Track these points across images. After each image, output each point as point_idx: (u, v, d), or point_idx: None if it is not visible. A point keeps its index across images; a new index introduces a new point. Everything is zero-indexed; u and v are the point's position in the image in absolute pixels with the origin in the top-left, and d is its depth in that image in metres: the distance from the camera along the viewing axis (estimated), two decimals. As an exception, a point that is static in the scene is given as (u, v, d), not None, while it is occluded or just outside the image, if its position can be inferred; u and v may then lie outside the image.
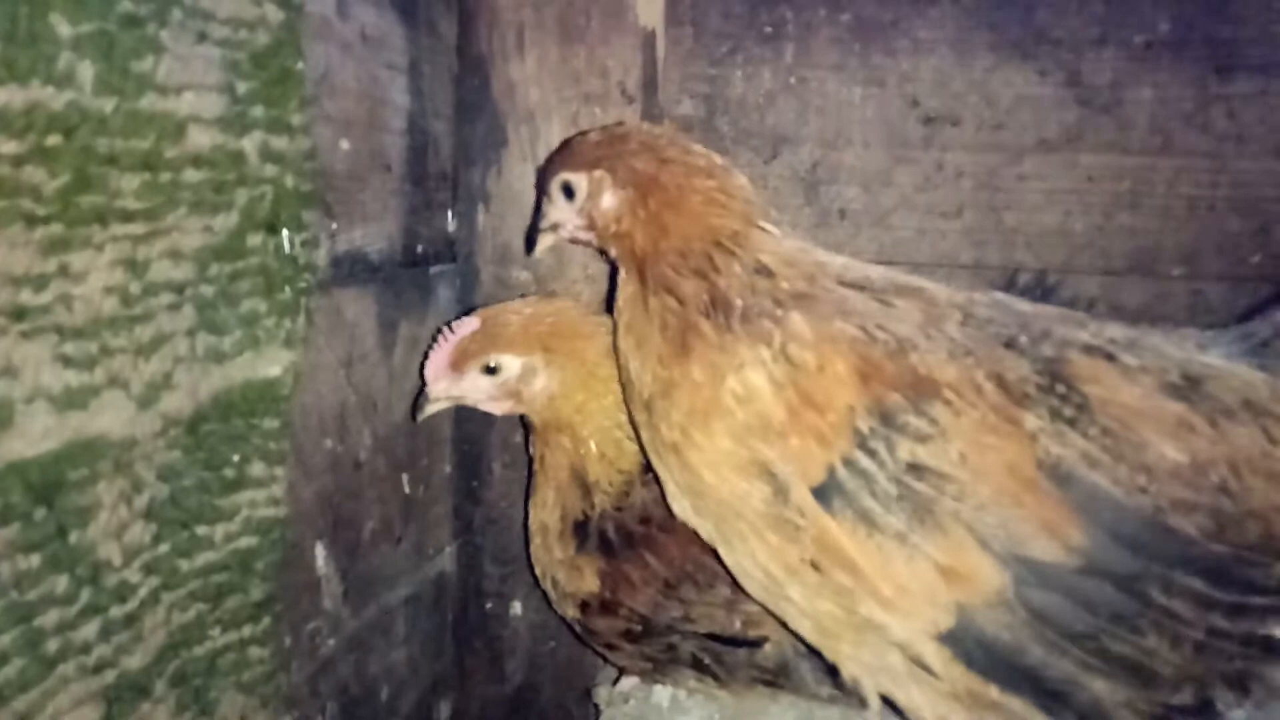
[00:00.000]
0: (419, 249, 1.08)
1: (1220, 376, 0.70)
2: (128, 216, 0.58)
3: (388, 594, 1.05)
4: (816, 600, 0.70)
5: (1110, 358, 0.70)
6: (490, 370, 0.95)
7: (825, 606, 0.70)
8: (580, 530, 0.94)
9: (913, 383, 0.67)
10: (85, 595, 0.57)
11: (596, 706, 1.00)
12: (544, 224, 0.90)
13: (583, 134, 0.90)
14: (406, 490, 1.07)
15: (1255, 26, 1.12)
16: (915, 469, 0.66)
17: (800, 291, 0.73)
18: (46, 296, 0.53)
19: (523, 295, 1.13)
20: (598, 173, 0.84)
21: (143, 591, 0.62)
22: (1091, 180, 1.18)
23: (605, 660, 1.03)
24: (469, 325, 0.95)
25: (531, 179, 1.16)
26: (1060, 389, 0.68)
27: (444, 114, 1.12)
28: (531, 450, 1.01)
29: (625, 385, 0.83)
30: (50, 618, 0.55)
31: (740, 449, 0.70)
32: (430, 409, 0.98)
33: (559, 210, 0.88)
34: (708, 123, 1.24)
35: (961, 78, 1.18)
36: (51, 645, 0.55)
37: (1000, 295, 0.79)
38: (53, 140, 0.50)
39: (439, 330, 0.98)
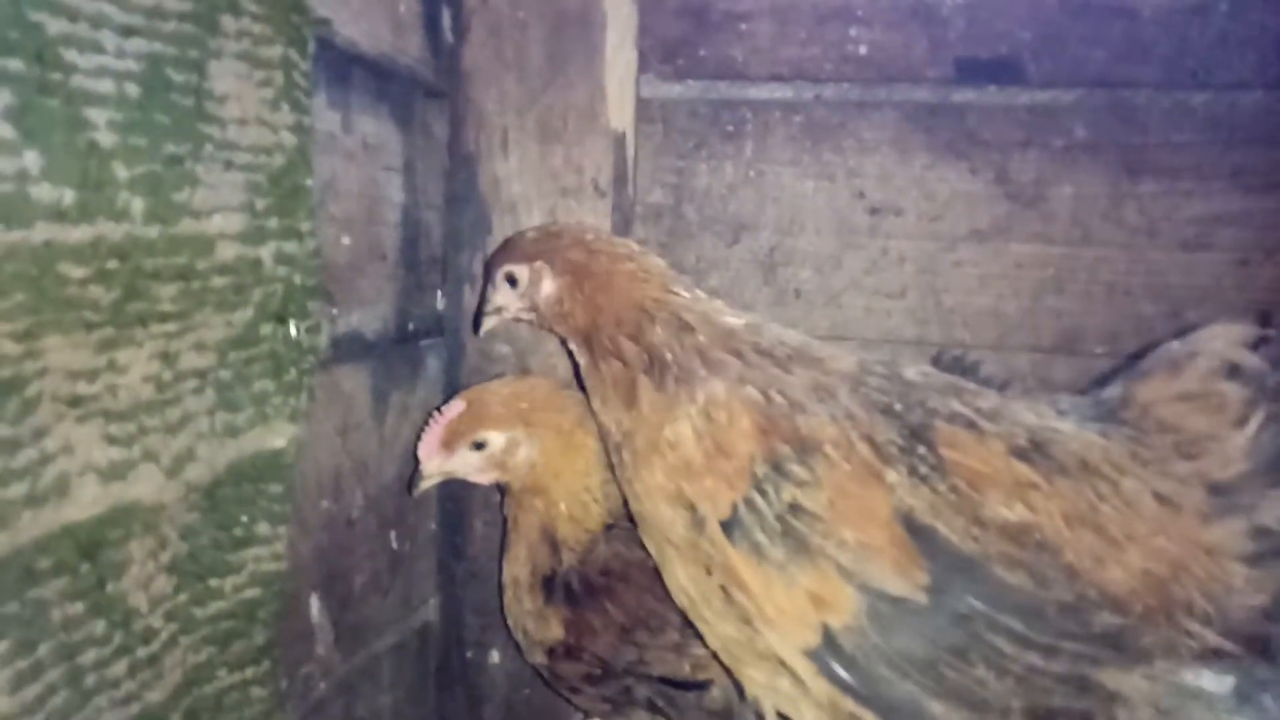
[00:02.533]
0: (410, 326, 1.20)
1: (1063, 440, 0.81)
2: (164, 318, 0.69)
3: (375, 642, 1.14)
4: (723, 624, 0.82)
5: (970, 425, 0.81)
6: (478, 446, 1.06)
7: (730, 631, 0.81)
8: (548, 584, 1.04)
9: (799, 439, 0.80)
10: (118, 638, 0.68)
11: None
12: (489, 308, 1.03)
13: (521, 233, 1.05)
14: (394, 546, 1.17)
15: (1159, 134, 1.25)
16: (795, 509, 0.78)
17: (716, 352, 0.87)
18: (97, 387, 0.64)
19: (502, 371, 1.24)
20: (537, 264, 0.98)
21: (164, 635, 0.73)
22: (1020, 267, 1.31)
23: (570, 704, 1.12)
24: (456, 408, 1.07)
25: (514, 263, 1.29)
26: (920, 450, 0.79)
27: (435, 205, 1.25)
28: (506, 511, 1.11)
29: (603, 437, 0.96)
30: (89, 656, 0.65)
31: (669, 483, 0.84)
32: (425, 485, 1.09)
33: (503, 296, 1.02)
34: (675, 210, 1.37)
35: (902, 174, 1.32)
36: (90, 680, 0.65)
37: (904, 369, 0.91)
38: (111, 264, 0.62)
39: (430, 412, 1.09)
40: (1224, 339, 0.83)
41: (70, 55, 0.60)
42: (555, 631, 1.02)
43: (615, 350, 0.91)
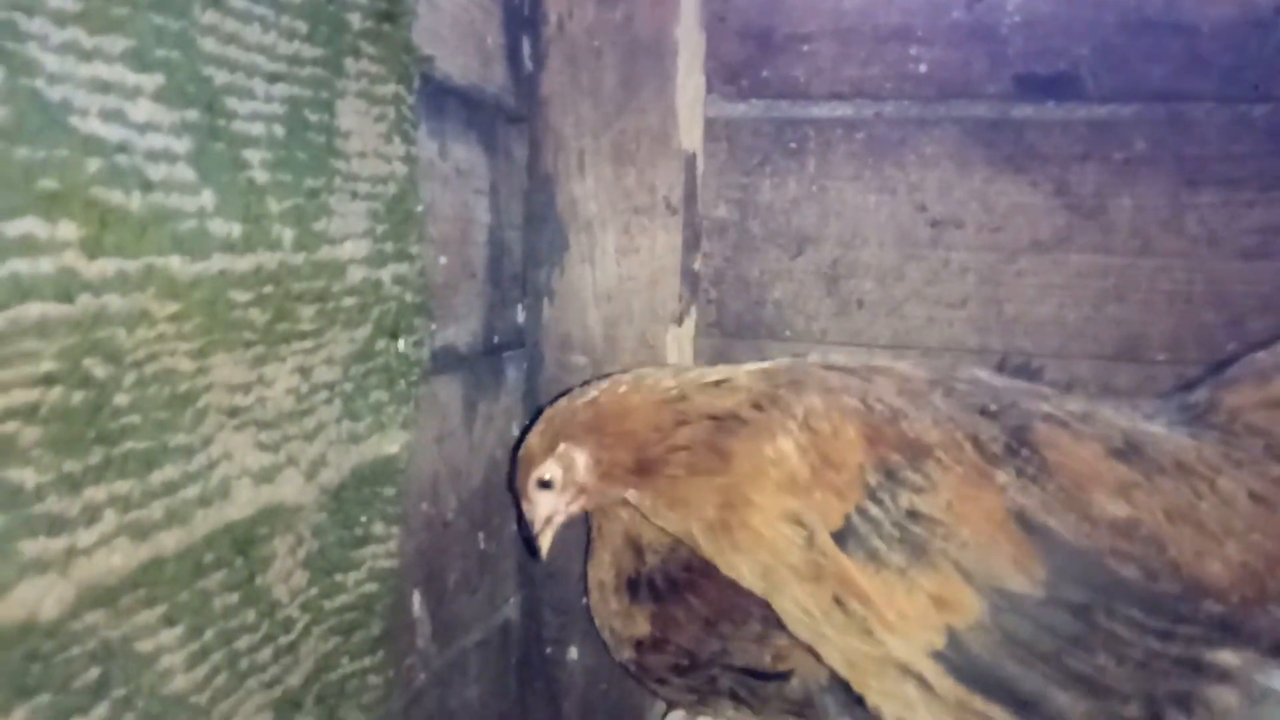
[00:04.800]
0: (495, 339, 1.27)
1: (1157, 441, 0.84)
2: (304, 336, 0.77)
3: (464, 638, 1.21)
4: (846, 637, 0.84)
5: (1065, 425, 0.84)
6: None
7: (853, 643, 0.84)
8: (632, 585, 1.10)
9: (908, 444, 0.82)
10: (265, 626, 0.75)
11: (650, 735, 1.14)
12: (537, 526, 0.99)
13: (523, 444, 1.01)
14: (482, 546, 1.24)
15: (1218, 146, 1.28)
16: (913, 515, 0.80)
17: (779, 380, 0.89)
18: (251, 399, 0.71)
19: (579, 381, 1.31)
20: (560, 448, 0.96)
21: (300, 625, 0.80)
22: (1081, 276, 1.34)
23: (656, 695, 1.18)
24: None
25: (590, 279, 1.36)
26: (1024, 451, 0.82)
27: (516, 224, 1.32)
28: (591, 519, 1.17)
29: (690, 538, 0.93)
30: (243, 642, 0.72)
31: (776, 503, 0.85)
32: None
33: (545, 505, 0.98)
34: (740, 225, 1.42)
35: (962, 187, 1.36)
36: (244, 663, 0.72)
37: (977, 371, 0.95)
38: (267, 289, 0.69)
39: (510, 421, 1.09)
40: None
41: (231, 103, 0.67)
42: (642, 627, 1.07)
43: (671, 448, 0.90)
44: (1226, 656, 0.77)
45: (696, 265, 1.40)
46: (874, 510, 0.81)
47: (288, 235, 0.72)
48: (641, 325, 1.35)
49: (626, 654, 1.11)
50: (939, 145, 1.36)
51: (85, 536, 0.56)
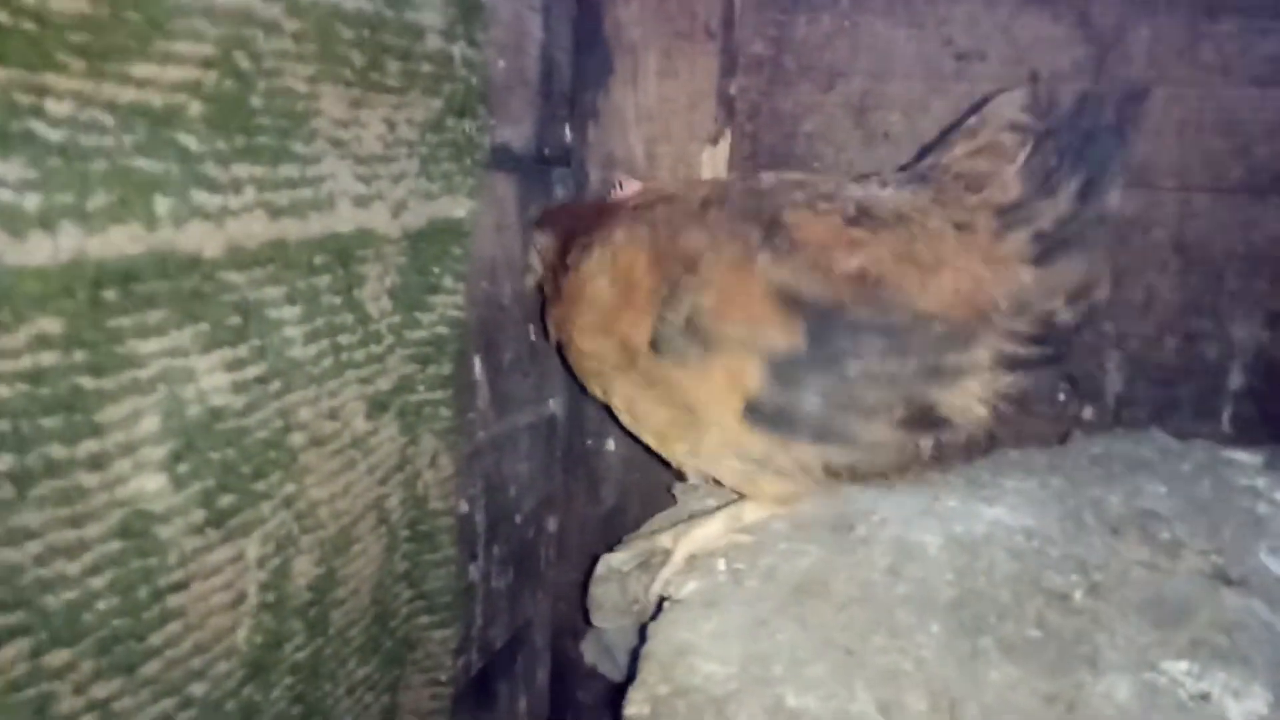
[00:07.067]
0: (545, 150, 1.39)
1: (883, 202, 1.00)
2: (389, 90, 0.90)
3: (517, 414, 1.37)
4: (657, 413, 1.05)
5: (810, 206, 1.00)
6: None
7: (664, 416, 1.05)
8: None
9: (684, 256, 1.00)
10: (360, 331, 0.90)
11: (674, 496, 1.31)
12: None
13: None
14: (532, 338, 1.39)
15: (1237, -25, 1.34)
16: (696, 311, 0.98)
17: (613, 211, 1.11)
18: (349, 134, 0.85)
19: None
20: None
21: (387, 341, 0.95)
22: (1093, 104, 1.42)
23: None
24: None
25: (632, 100, 1.46)
26: (777, 237, 0.98)
27: (565, 46, 1.42)
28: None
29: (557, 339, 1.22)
30: (342, 338, 0.88)
31: (599, 321, 1.07)
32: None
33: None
34: (775, 60, 1.51)
35: (988, 20, 1.43)
36: (344, 356, 0.88)
37: (752, 181, 1.11)
38: (364, 32, 0.82)
39: None
40: (1006, 105, 1.01)
41: None
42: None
43: (559, 266, 1.15)
44: (954, 358, 0.95)
45: (732, 90, 1.49)
46: (670, 316, 0.99)
47: (378, -9, 0.84)
48: (679, 145, 1.46)
49: None
50: (967, -21, 1.43)
51: (234, 201, 0.70)
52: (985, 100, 1.09)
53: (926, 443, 1.03)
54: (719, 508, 1.13)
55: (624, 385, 1.08)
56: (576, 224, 1.19)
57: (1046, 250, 0.96)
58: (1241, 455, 1.22)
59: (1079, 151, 0.95)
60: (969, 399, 0.96)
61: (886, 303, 0.94)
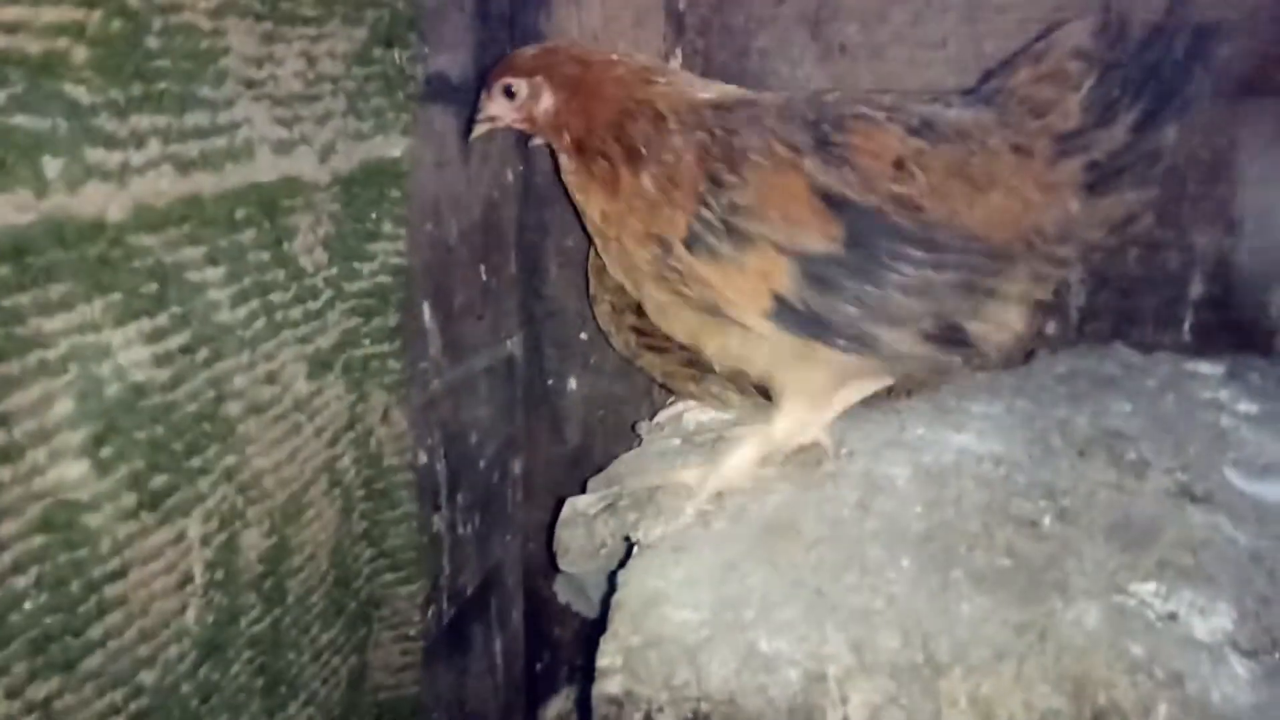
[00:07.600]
0: (485, 77, 1.31)
1: (947, 118, 0.99)
2: (305, 20, 0.82)
3: (472, 359, 1.33)
4: (688, 313, 1.03)
5: (871, 118, 0.98)
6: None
7: (694, 317, 1.03)
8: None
9: (730, 155, 0.97)
10: (294, 289, 0.84)
11: (639, 437, 1.28)
12: (481, 116, 1.13)
13: (520, 50, 1.13)
14: (484, 278, 1.33)
15: None
16: (733, 208, 0.96)
17: (678, 123, 1.02)
18: (263, 74, 0.78)
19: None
20: (537, 79, 1.08)
21: (325, 296, 0.89)
22: (1058, 10, 1.36)
23: (664, 388, 1.32)
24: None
25: (576, 19, 1.38)
26: (832, 143, 0.96)
27: (501, -35, 1.33)
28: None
29: (587, 227, 1.12)
30: (275, 296, 0.82)
31: (640, 225, 1.02)
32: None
33: (498, 106, 1.11)
34: (728, -30, 1.43)
35: (947, -79, 1.36)
36: (278, 316, 0.82)
37: (820, 95, 1.06)
38: (270, -42, 0.74)
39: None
40: (1074, 32, 0.98)
41: None
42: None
43: (604, 151, 1.04)
44: (993, 281, 0.95)
45: (681, 5, 1.41)
46: (705, 213, 0.97)
47: (285, -91, 0.75)
48: (628, 66, 1.38)
49: (630, 340, 1.23)
50: (925, -123, 1.35)
51: (136, 157, 0.64)
52: (1053, 27, 1.05)
53: (946, 359, 1.05)
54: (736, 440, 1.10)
55: (655, 289, 1.05)
56: (597, 87, 1.06)
57: (1097, 180, 0.95)
58: (1204, 366, 1.22)
59: (1141, 84, 0.93)
60: (1000, 320, 0.97)
61: (931, 214, 0.94)
